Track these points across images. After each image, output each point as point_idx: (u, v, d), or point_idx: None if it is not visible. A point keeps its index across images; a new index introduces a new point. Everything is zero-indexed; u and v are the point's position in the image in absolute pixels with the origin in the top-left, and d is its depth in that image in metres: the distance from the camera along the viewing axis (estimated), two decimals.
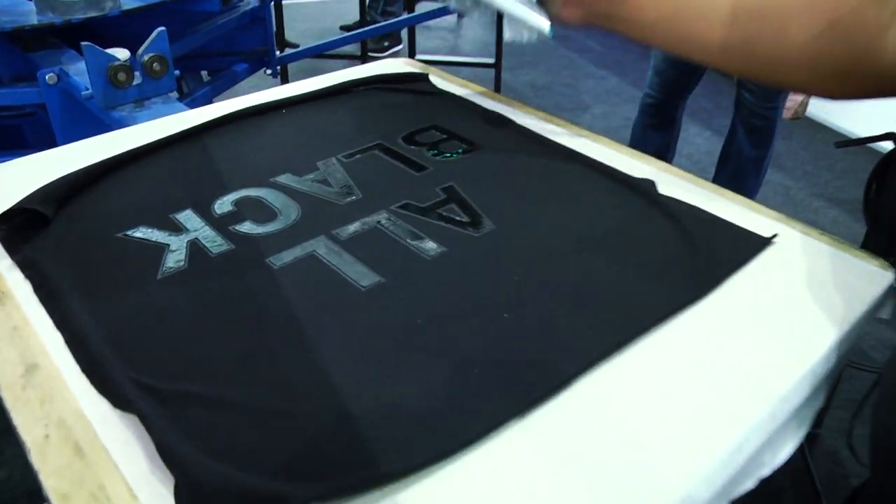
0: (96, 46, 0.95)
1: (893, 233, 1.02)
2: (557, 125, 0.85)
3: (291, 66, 2.54)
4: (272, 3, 1.70)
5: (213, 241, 0.62)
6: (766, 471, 0.49)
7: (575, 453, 0.44)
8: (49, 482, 0.41)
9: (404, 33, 3.36)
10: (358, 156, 0.76)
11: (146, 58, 0.99)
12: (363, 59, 3.11)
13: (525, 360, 0.50)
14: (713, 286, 0.58)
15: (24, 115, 1.42)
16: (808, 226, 0.67)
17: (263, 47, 1.64)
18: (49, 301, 0.55)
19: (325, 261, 0.60)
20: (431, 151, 0.77)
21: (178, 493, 0.40)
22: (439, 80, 0.95)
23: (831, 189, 3.00)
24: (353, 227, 0.64)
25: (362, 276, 0.58)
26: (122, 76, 0.96)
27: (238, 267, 0.59)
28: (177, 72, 1.06)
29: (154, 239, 0.62)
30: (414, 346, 0.51)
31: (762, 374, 0.50)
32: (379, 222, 0.65)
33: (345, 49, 2.76)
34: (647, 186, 0.70)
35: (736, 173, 2.38)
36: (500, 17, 0.73)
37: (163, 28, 1.04)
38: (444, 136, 0.80)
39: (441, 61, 2.89)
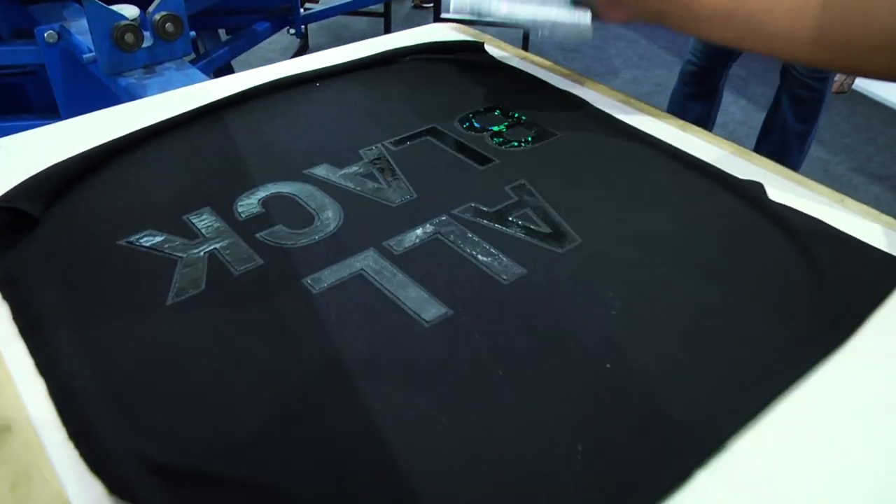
0: (100, 2, 0.81)
1: None
2: (600, 92, 0.73)
3: (311, 26, 2.40)
4: None
5: (237, 254, 0.49)
6: None
7: None
8: None
9: None
10: (408, 143, 0.63)
11: (157, 17, 0.85)
12: (385, 16, 2.96)
13: (639, 432, 0.38)
14: (851, 329, 0.45)
15: (26, 74, 1.29)
16: None
17: (286, 4, 1.50)
18: (31, 332, 0.43)
19: (377, 284, 0.47)
20: (496, 139, 0.64)
21: None
22: (497, 51, 0.82)
23: (873, 164, 2.86)
24: (409, 238, 0.52)
25: (425, 305, 0.46)
26: (129, 38, 0.83)
27: (268, 290, 0.47)
28: (192, 33, 0.92)
29: (164, 249, 0.50)
30: (498, 412, 0.39)
31: None
32: (440, 232, 0.52)
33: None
34: (755, 191, 0.57)
35: (778, 147, 2.24)
36: None
37: None
38: (509, 120, 0.67)
39: (468, 20, 2.75)
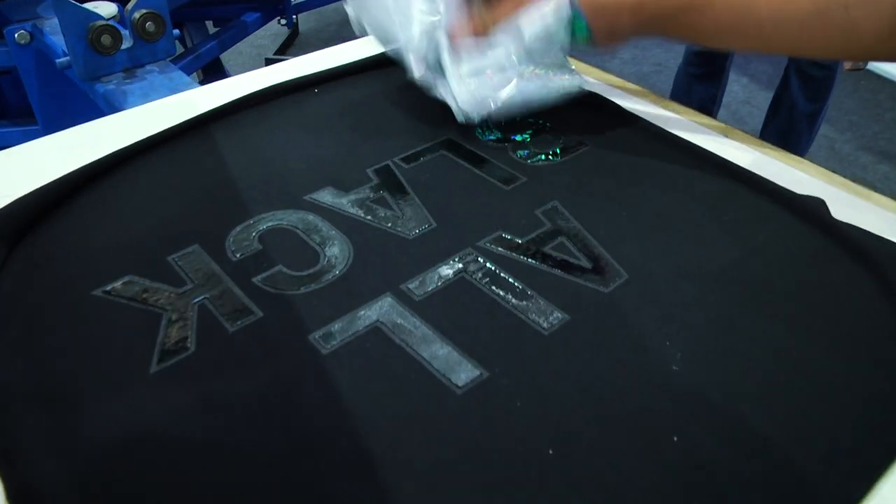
0: (71, 0, 0.73)
1: None
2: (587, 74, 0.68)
3: (301, 18, 2.32)
4: None
5: (231, 305, 0.42)
6: None
7: None
8: None
9: None
10: (422, 158, 0.56)
11: (137, 15, 0.77)
12: None
13: None
14: None
15: (1, 73, 1.21)
16: None
17: None
18: None
19: (396, 340, 0.40)
20: (521, 152, 0.57)
21: None
22: None
23: (881, 142, 2.80)
24: (430, 280, 0.44)
25: (455, 366, 0.39)
26: (106, 39, 0.75)
27: (269, 351, 0.40)
28: (176, 31, 0.84)
29: (147, 300, 0.42)
30: (548, 499, 0.32)
31: None
32: (466, 270, 0.45)
33: None
34: (817, 209, 0.50)
35: (787, 128, 2.16)
36: None
37: None
38: (532, 127, 0.60)
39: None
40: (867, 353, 0.40)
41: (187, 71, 1.19)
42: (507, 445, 0.35)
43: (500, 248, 0.47)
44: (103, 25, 0.75)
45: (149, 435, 0.35)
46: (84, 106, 0.84)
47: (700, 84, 2.18)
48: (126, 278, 0.44)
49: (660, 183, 0.54)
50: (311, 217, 0.49)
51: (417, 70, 0.56)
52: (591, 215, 0.50)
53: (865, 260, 0.46)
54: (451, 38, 0.55)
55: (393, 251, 0.47)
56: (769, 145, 0.58)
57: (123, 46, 0.79)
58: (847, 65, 2.73)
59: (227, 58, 2.09)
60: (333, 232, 0.48)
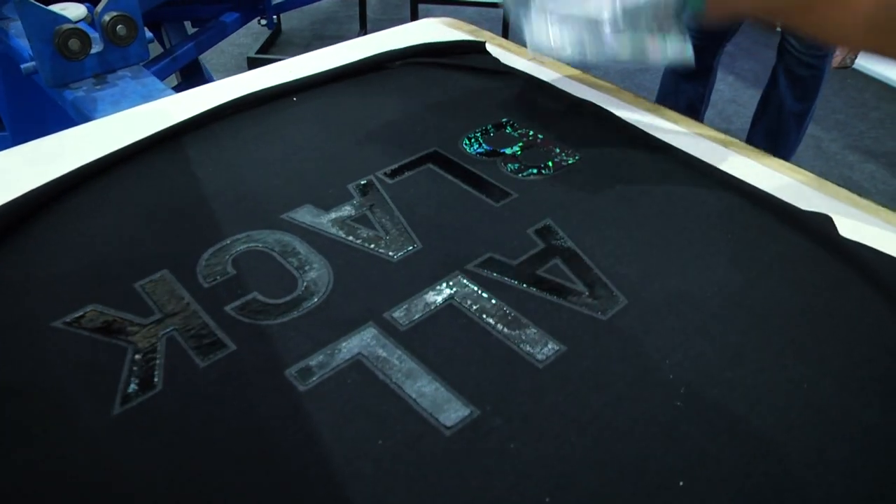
0: (35, 2, 0.69)
1: None
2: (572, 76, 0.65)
3: (283, 15, 2.28)
4: None
5: (202, 338, 0.39)
6: None
7: None
8: None
9: None
10: (406, 173, 0.53)
11: (107, 18, 0.74)
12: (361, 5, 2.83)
13: None
14: None
15: None
16: None
17: None
18: None
19: (380, 375, 0.37)
20: (511, 166, 0.54)
21: None
22: (500, 51, 0.71)
23: (867, 141, 2.80)
24: (416, 307, 0.41)
25: (443, 405, 0.36)
26: (74, 44, 0.72)
27: (242, 389, 0.37)
28: (150, 34, 0.81)
29: (112, 332, 0.39)
30: None
31: None
32: (455, 297, 0.42)
33: None
34: (824, 227, 0.47)
35: (775, 128, 2.15)
36: None
37: None
38: (522, 140, 0.57)
39: (445, 0, 2.65)
40: (883, 384, 0.38)
41: (165, 73, 1.15)
42: (499, 493, 0.33)
43: (490, 272, 0.44)
44: (71, 29, 0.71)
45: (109, 484, 0.32)
46: (54, 112, 0.80)
47: (687, 83, 2.16)
48: (89, 307, 0.41)
49: (658, 198, 0.51)
50: (288, 238, 0.46)
51: None
52: (586, 234, 0.47)
53: (876, 281, 0.44)
54: None
55: (376, 275, 0.44)
56: (777, 159, 0.56)
57: (93, 51, 0.76)
58: (834, 62, 2.72)
59: (208, 58, 2.05)
60: (312, 255, 0.45)
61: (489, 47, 0.71)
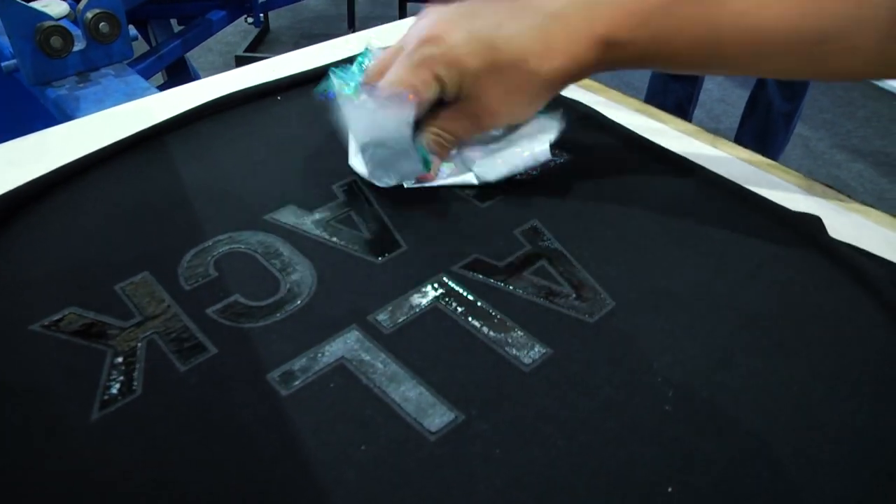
0: None
1: None
2: None
3: (271, 14, 2.26)
4: None
5: (183, 341, 0.38)
6: None
7: None
8: None
9: None
10: None
11: (89, 15, 0.73)
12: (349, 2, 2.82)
13: None
14: None
15: None
16: None
17: None
18: None
19: (363, 380, 0.37)
20: None
21: None
22: None
23: (854, 140, 2.82)
24: (400, 310, 0.41)
25: (427, 409, 0.35)
26: (56, 41, 0.71)
27: (223, 393, 0.36)
28: (133, 32, 0.80)
29: (91, 335, 0.39)
30: None
31: None
32: (439, 298, 0.42)
33: None
34: (813, 228, 0.47)
35: (763, 129, 2.15)
36: None
37: None
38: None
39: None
40: (873, 385, 0.37)
41: (150, 72, 1.14)
42: (485, 499, 0.32)
43: (476, 274, 0.44)
44: (53, 26, 0.70)
45: (88, 491, 0.32)
46: (36, 111, 0.79)
47: (676, 82, 2.16)
48: (68, 310, 0.40)
49: (646, 199, 0.51)
50: (271, 239, 0.46)
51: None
52: (574, 235, 0.47)
53: (865, 282, 0.43)
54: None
55: (359, 277, 0.43)
56: (763, 157, 0.55)
57: (76, 48, 0.75)
58: None
59: (195, 56, 2.04)
60: (296, 256, 0.44)
61: None
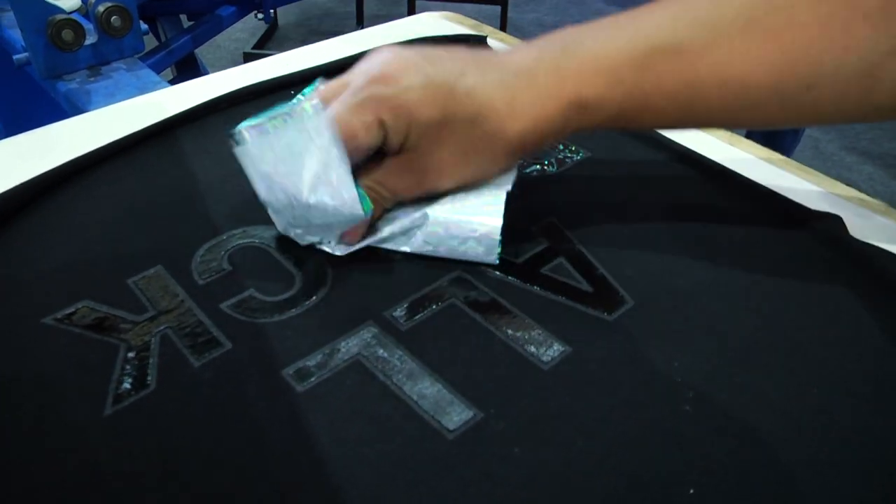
0: None
1: None
2: None
3: (280, 11, 2.26)
4: None
5: (197, 336, 0.38)
6: None
7: None
8: None
9: None
10: None
11: (101, 8, 0.72)
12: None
13: None
14: None
15: None
16: None
17: None
18: None
19: (380, 377, 0.36)
20: None
21: None
22: (502, 46, 0.70)
23: (864, 142, 2.80)
24: (417, 306, 0.40)
25: (446, 407, 0.35)
26: (67, 34, 0.70)
27: (238, 389, 0.36)
28: (144, 26, 0.79)
29: (104, 329, 0.38)
30: None
31: None
32: (457, 296, 0.41)
33: None
34: (834, 228, 0.46)
35: (772, 129, 2.14)
36: None
37: None
38: None
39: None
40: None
41: (160, 67, 1.14)
42: (503, 499, 0.32)
43: (494, 271, 0.43)
44: (64, 19, 0.70)
45: (101, 486, 0.31)
46: (47, 105, 0.79)
47: None
48: (81, 304, 0.40)
49: (664, 197, 0.50)
50: (284, 235, 0.45)
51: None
52: (592, 233, 0.46)
53: (887, 283, 0.43)
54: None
55: (375, 272, 0.43)
56: (779, 155, 0.55)
57: (87, 42, 0.74)
58: None
59: (203, 53, 2.04)
60: (310, 251, 0.44)
61: (491, 41, 0.70)
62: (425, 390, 0.36)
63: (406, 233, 0.43)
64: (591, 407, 0.35)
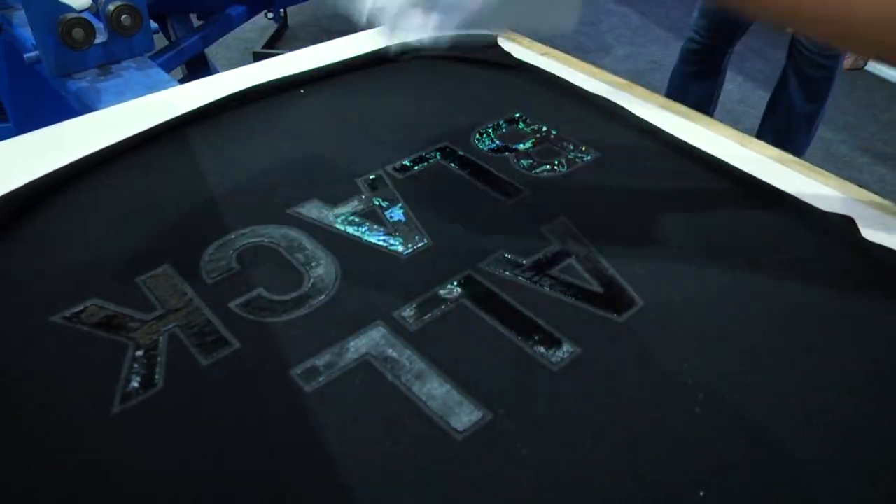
0: None
1: None
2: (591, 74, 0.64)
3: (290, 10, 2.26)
4: None
5: (205, 335, 0.38)
6: None
7: None
8: None
9: None
10: (416, 168, 0.52)
11: (111, 7, 0.72)
12: None
13: None
14: None
15: None
16: None
17: None
18: None
19: (389, 377, 0.36)
20: (524, 162, 0.53)
21: None
22: (512, 46, 0.70)
23: (876, 143, 2.78)
24: (426, 307, 0.40)
25: (454, 408, 0.35)
26: (78, 33, 0.71)
27: (246, 388, 0.36)
28: (155, 25, 0.79)
29: (112, 328, 0.38)
30: None
31: None
32: (466, 296, 0.41)
33: None
34: (846, 229, 0.46)
35: (784, 129, 2.13)
36: None
37: None
38: (536, 136, 0.56)
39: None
40: None
41: (170, 66, 1.14)
42: (512, 500, 0.31)
43: (503, 271, 0.43)
44: (75, 18, 0.70)
45: (108, 484, 0.31)
46: (58, 103, 0.79)
47: (696, 83, 2.14)
48: (89, 302, 0.40)
49: (674, 197, 0.50)
50: (294, 233, 0.45)
51: None
52: (601, 233, 0.46)
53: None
54: None
55: (384, 272, 0.43)
56: (790, 155, 0.54)
57: (97, 41, 0.75)
58: (847, 63, 2.70)
59: (213, 53, 2.04)
60: (319, 250, 0.44)
61: (500, 41, 0.70)
62: (434, 391, 0.36)
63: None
64: (599, 408, 0.35)
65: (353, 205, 0.48)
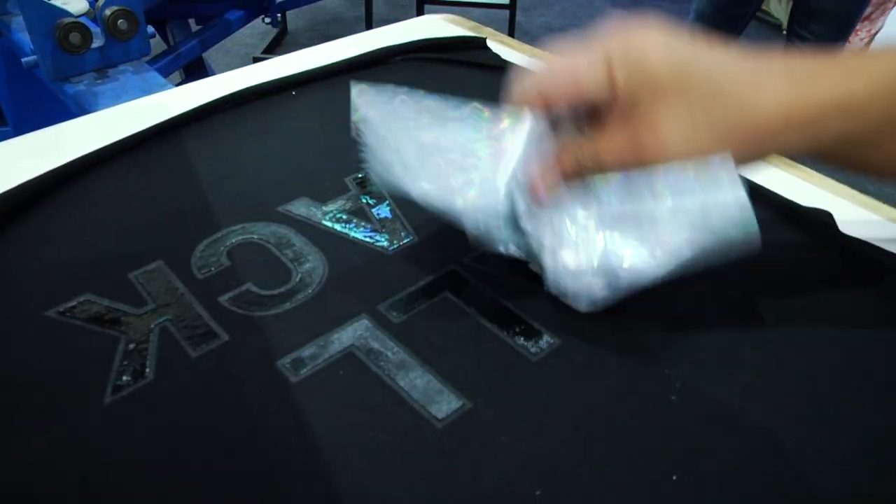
0: None
1: None
2: None
3: (290, 16, 2.27)
4: None
5: (195, 328, 0.39)
6: None
7: None
8: None
9: None
10: None
11: (108, 12, 0.74)
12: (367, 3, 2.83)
13: None
14: None
15: None
16: None
17: None
18: None
19: (372, 367, 0.37)
20: None
21: None
22: (500, 47, 0.71)
23: None
24: (409, 300, 0.41)
25: (435, 396, 0.36)
26: (75, 38, 0.72)
27: (234, 379, 0.37)
28: (151, 29, 0.81)
29: (105, 321, 0.39)
30: None
31: None
32: (448, 289, 0.42)
33: None
34: (824, 223, 0.47)
35: None
36: None
37: None
38: None
39: (452, 1, 2.65)
40: (881, 379, 0.37)
41: (168, 71, 1.16)
42: (491, 485, 0.32)
43: (484, 266, 0.44)
44: (72, 23, 0.71)
45: (99, 474, 0.32)
46: (56, 107, 0.80)
47: None
48: (83, 297, 0.41)
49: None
50: (283, 230, 0.46)
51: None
52: None
53: (875, 277, 0.43)
54: (530, 190, 0.38)
55: (370, 268, 0.44)
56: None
57: (94, 45, 0.76)
58: None
59: (213, 57, 2.05)
60: (307, 247, 0.45)
61: (490, 43, 0.71)
62: (416, 380, 0.37)
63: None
64: (577, 397, 0.36)
65: (342, 202, 0.49)
